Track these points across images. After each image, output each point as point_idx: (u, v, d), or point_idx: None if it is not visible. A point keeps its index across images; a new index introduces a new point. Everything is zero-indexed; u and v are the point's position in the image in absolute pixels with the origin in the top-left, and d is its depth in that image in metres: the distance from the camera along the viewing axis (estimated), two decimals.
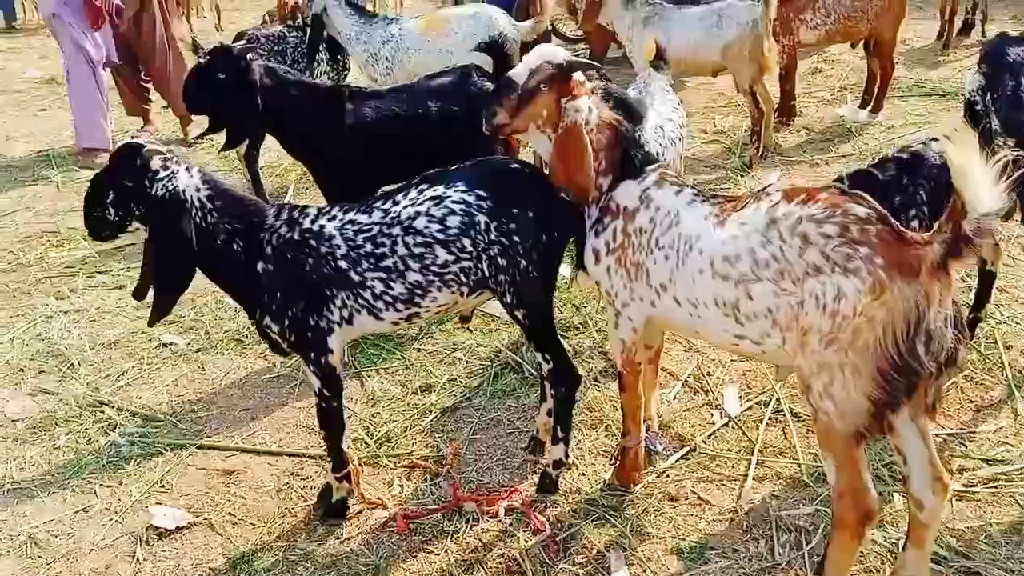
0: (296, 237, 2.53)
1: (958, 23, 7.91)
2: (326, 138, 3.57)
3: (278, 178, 5.92)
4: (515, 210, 2.52)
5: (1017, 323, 3.55)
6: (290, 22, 5.71)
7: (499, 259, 2.52)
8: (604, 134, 2.50)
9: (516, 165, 2.74)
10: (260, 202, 2.73)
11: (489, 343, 3.72)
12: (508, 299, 2.59)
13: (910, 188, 2.70)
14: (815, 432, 2.26)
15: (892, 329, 1.89)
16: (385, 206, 2.57)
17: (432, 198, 2.53)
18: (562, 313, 3.82)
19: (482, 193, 2.52)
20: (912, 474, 2.11)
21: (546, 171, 2.65)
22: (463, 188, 2.53)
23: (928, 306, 1.88)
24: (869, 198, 2.02)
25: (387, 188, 2.71)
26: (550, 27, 7.35)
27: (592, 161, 2.47)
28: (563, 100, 2.48)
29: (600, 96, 2.57)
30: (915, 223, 2.68)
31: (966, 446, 2.89)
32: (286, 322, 2.54)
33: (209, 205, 2.51)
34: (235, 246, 2.53)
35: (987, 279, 3.27)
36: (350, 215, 2.57)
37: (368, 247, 2.51)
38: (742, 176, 5.37)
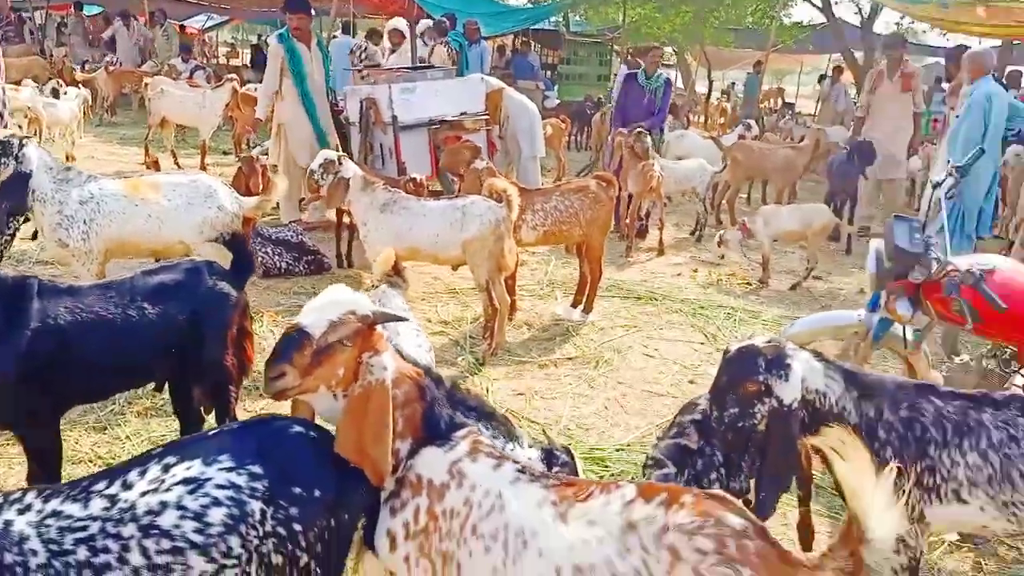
0: None
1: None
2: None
3: None
4: (297, 490, 1.94)
5: None
6: None
7: (273, 556, 1.89)
8: (401, 389, 2.09)
9: (298, 427, 2.08)
10: None
11: None
12: None
13: (706, 449, 2.61)
14: None
15: None
16: (110, 491, 1.80)
17: (186, 481, 1.84)
18: None
19: (256, 470, 1.91)
20: None
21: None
22: (229, 464, 1.89)
23: None
24: (739, 504, 1.81)
25: (114, 466, 1.94)
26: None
27: (391, 430, 2.03)
28: (365, 356, 2.05)
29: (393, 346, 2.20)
30: (716, 486, 2.58)
31: None
32: None
33: None
34: None
35: None
36: (54, 503, 1.77)
37: (81, 553, 1.72)
38: (475, 375, 5.17)
